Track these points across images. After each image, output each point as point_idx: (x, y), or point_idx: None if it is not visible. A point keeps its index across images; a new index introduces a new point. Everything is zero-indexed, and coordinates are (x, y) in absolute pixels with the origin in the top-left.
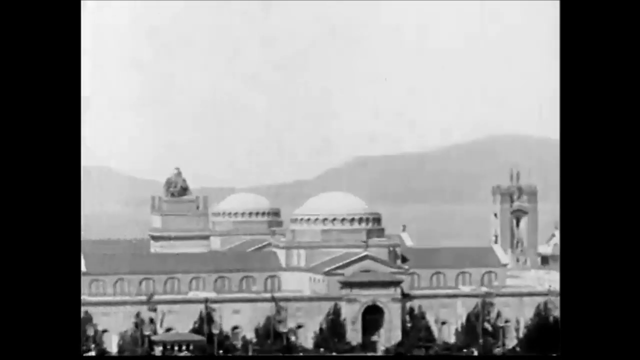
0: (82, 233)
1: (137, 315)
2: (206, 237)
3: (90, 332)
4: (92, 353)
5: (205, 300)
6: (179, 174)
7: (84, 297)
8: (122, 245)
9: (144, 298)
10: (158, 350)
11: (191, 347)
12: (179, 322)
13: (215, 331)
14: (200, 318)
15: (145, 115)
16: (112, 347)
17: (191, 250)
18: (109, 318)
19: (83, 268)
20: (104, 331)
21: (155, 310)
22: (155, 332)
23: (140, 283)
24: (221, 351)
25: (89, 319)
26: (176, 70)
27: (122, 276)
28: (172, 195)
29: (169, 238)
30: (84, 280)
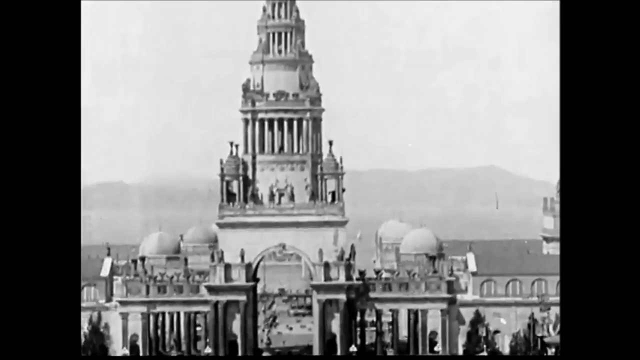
0: (472, 234)
1: (530, 316)
2: None
3: (482, 332)
4: (484, 353)
5: None
6: None
7: (475, 297)
8: (515, 245)
9: (536, 299)
10: (550, 352)
11: None
12: None
13: None
14: None
15: (535, 115)
16: (504, 348)
17: None
18: (501, 319)
19: (474, 268)
20: (496, 332)
21: (548, 311)
22: (548, 334)
23: (532, 284)
24: None
25: (481, 319)
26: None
27: (515, 277)
28: None
29: None
30: (475, 281)
